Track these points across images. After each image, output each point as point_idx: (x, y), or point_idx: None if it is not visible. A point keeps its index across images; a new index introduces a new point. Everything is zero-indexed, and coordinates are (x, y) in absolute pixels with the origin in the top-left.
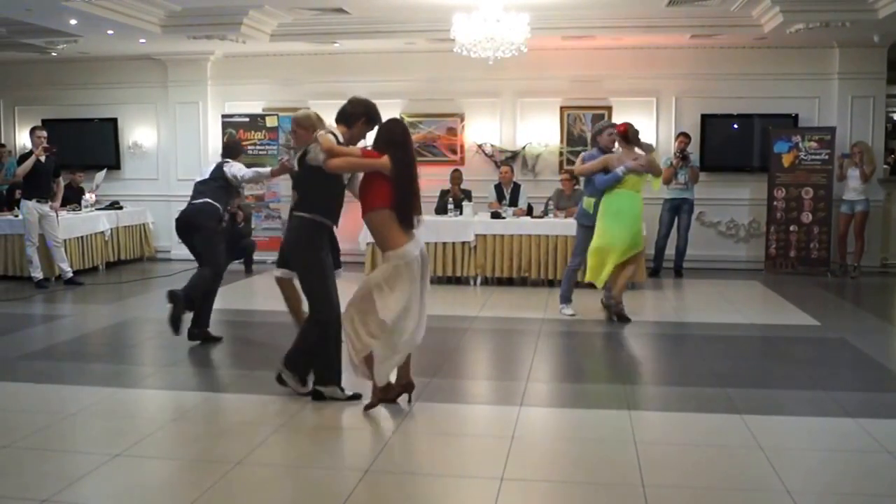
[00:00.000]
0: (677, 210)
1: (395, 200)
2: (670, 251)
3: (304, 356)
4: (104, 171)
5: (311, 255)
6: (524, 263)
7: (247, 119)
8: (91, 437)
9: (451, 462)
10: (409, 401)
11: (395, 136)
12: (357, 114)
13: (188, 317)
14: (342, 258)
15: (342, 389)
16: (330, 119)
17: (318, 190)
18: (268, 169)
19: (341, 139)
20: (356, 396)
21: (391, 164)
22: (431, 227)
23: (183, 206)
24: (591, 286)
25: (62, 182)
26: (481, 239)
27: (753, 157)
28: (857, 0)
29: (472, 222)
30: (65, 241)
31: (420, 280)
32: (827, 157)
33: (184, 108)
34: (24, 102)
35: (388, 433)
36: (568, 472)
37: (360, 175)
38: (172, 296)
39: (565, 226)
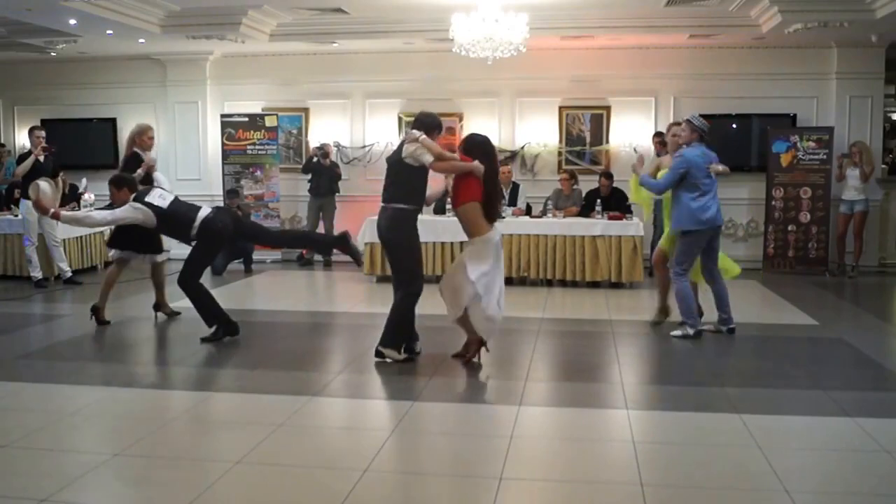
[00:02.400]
0: None
1: (485, 196)
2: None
3: (396, 327)
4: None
5: (412, 240)
6: (523, 263)
7: (246, 119)
8: (90, 436)
9: (450, 461)
10: (487, 350)
11: (485, 147)
12: (435, 125)
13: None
14: (342, 258)
15: (399, 352)
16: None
17: (414, 184)
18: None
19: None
20: (409, 359)
21: (481, 168)
22: (430, 227)
23: None
24: (595, 285)
25: (60, 182)
26: None
27: (752, 156)
28: (855, 0)
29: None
30: (63, 240)
31: (497, 259)
32: (825, 156)
33: (183, 108)
34: (24, 102)
35: (388, 433)
36: (566, 472)
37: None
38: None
39: (564, 225)
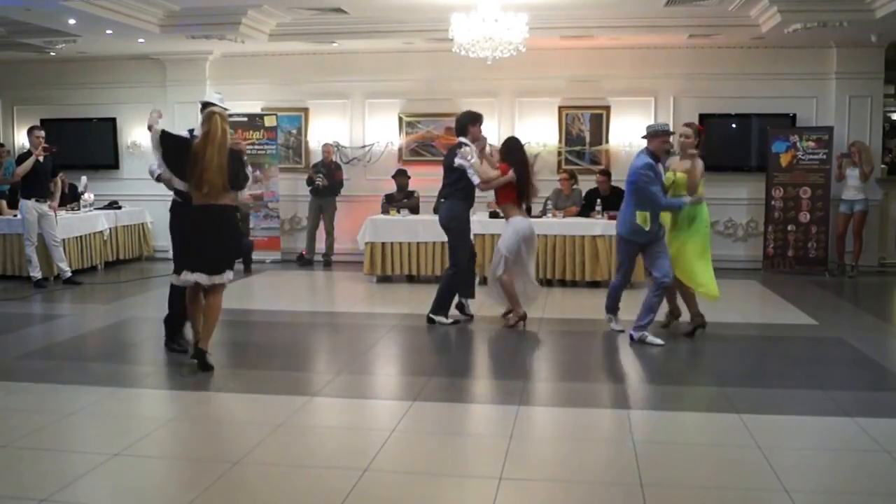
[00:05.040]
0: None
1: (520, 192)
2: None
3: (446, 297)
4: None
5: (465, 226)
6: None
7: (245, 119)
8: (89, 436)
9: (450, 461)
10: (524, 326)
11: (516, 149)
12: (469, 120)
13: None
14: (342, 258)
15: (447, 318)
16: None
17: (464, 184)
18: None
19: (475, 148)
20: (455, 322)
21: (515, 174)
22: (430, 227)
23: None
24: (595, 285)
25: (59, 181)
26: (479, 238)
27: (751, 156)
28: (854, 0)
29: (471, 221)
30: (63, 240)
31: (531, 241)
32: (825, 156)
33: (183, 108)
34: (23, 102)
35: (387, 432)
36: (566, 472)
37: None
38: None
39: (563, 225)
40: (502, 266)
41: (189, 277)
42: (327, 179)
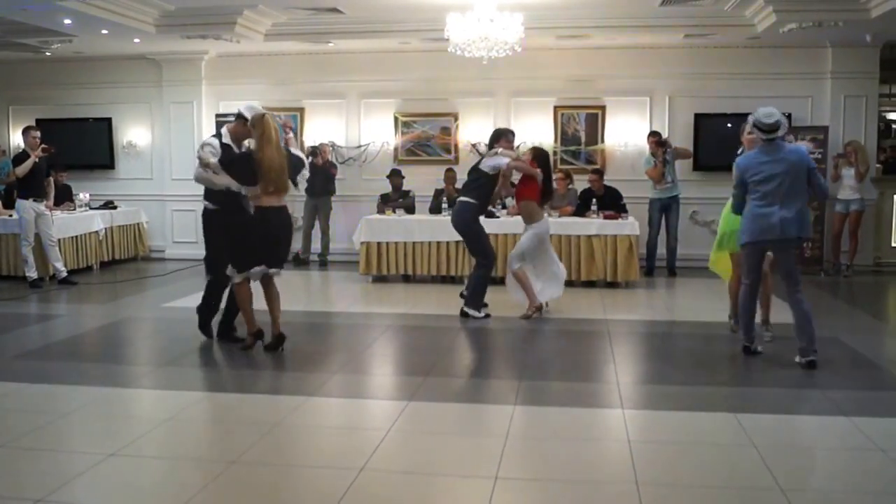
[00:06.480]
0: (666, 209)
1: (542, 195)
2: (661, 250)
3: (478, 292)
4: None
5: (477, 226)
6: None
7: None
8: (86, 436)
9: (446, 461)
10: (540, 313)
11: (542, 157)
12: (502, 134)
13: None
14: (338, 258)
15: (479, 311)
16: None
17: (481, 186)
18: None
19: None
20: (487, 316)
21: (541, 174)
22: (426, 227)
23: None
24: (591, 285)
25: (52, 181)
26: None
27: None
28: (849, 0)
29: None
30: (59, 240)
31: (548, 240)
32: (820, 156)
33: (178, 108)
34: (19, 102)
35: (383, 432)
36: (562, 471)
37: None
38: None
39: (559, 225)
40: (517, 262)
41: (259, 271)
42: (318, 175)
